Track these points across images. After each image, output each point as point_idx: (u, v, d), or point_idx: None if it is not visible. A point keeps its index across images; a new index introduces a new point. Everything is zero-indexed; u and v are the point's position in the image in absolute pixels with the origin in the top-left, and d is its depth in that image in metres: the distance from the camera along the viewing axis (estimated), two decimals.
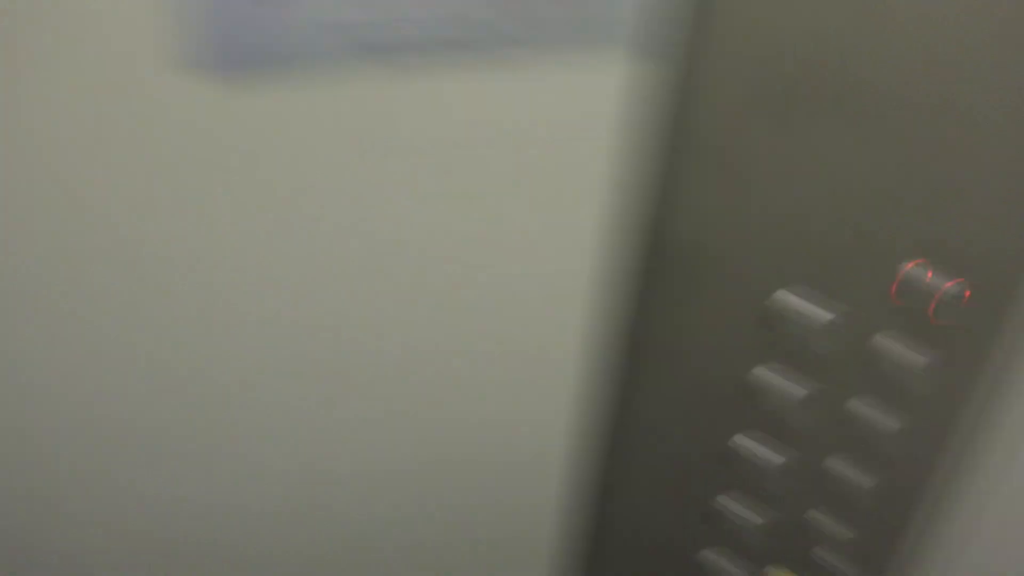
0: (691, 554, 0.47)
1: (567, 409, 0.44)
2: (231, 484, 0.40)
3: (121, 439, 0.36)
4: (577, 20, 0.33)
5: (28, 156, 0.28)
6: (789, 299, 0.37)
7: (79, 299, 0.32)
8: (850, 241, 0.37)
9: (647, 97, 0.37)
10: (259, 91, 0.30)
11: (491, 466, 0.44)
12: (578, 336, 0.42)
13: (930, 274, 0.39)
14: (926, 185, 0.36)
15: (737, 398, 0.42)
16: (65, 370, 0.34)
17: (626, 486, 0.46)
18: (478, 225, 0.37)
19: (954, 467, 0.49)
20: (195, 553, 0.41)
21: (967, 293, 0.40)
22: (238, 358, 0.37)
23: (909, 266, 0.38)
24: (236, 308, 0.35)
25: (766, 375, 0.40)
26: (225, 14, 0.28)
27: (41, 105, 0.28)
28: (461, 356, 0.41)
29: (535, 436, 0.44)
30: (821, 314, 0.38)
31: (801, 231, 0.36)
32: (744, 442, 0.43)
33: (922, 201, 0.37)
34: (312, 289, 0.36)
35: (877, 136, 0.35)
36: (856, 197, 0.36)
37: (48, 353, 0.33)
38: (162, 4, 0.27)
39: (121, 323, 0.33)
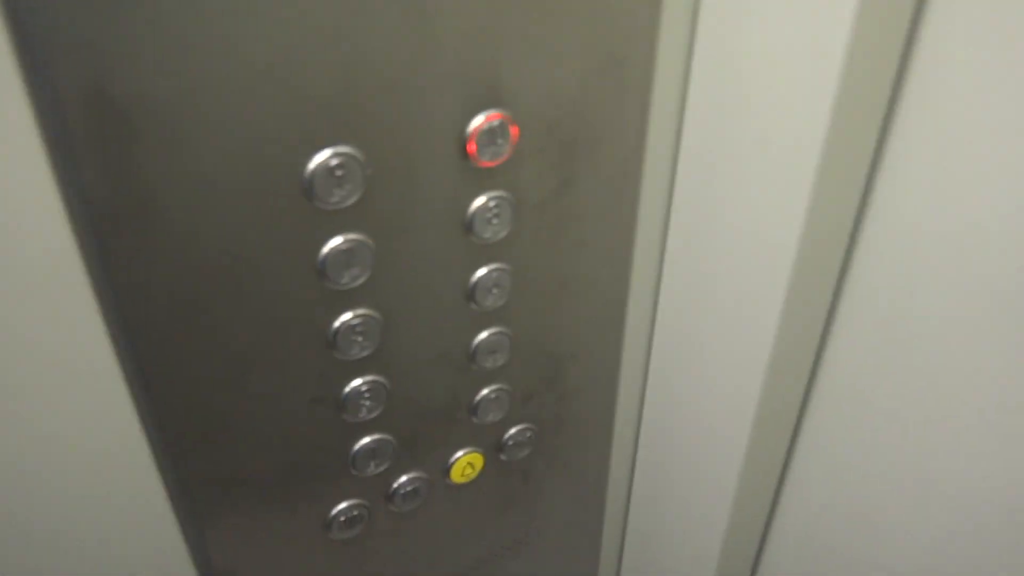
0: (346, 449, 0.42)
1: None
2: None
3: None
4: None
5: None
6: (332, 160, 0.33)
7: None
8: (378, 88, 0.32)
9: None
10: None
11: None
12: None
13: (478, 117, 0.35)
14: (462, 24, 0.33)
15: (312, 281, 0.36)
16: None
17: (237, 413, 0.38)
18: None
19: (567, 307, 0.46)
20: None
21: (515, 130, 0.36)
22: None
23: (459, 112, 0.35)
24: None
25: (338, 246, 0.36)
26: None
27: None
28: None
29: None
30: (360, 169, 0.34)
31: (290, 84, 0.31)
32: (349, 323, 0.38)
33: (460, 42, 0.33)
34: None
35: None
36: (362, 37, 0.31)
37: None
38: None
39: None
